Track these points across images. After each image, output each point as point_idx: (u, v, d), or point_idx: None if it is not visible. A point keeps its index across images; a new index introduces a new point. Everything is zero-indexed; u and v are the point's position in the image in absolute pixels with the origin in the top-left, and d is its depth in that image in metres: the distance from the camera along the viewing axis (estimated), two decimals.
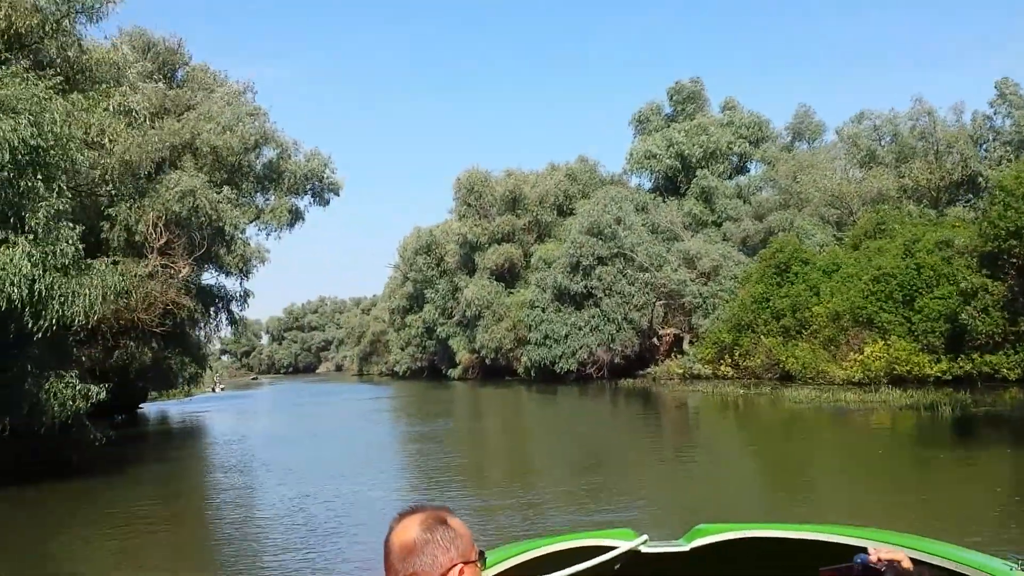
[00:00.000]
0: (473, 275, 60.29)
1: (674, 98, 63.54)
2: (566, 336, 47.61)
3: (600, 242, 46.96)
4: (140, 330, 26.65)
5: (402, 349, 78.40)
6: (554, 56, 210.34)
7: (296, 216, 33.89)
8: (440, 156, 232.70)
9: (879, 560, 2.27)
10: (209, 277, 33.61)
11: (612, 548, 3.03)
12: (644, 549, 3.07)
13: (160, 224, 25.98)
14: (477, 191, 60.91)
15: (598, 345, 46.91)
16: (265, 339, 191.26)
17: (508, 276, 59.55)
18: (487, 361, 57.61)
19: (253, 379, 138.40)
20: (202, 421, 39.49)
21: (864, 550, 2.35)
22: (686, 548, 3.06)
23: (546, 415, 33.82)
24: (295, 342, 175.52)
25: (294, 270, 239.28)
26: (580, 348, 47.08)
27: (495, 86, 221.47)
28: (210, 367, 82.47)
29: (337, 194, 35.17)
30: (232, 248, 29.85)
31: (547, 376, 48.94)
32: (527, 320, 50.15)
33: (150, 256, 26.17)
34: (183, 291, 27.30)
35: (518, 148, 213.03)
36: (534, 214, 60.19)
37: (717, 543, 3.05)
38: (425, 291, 68.61)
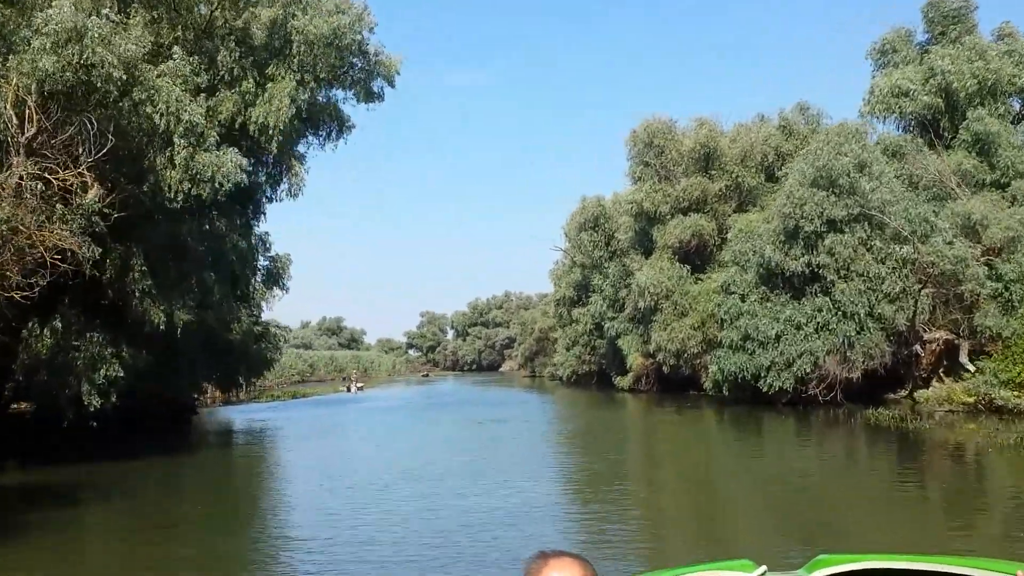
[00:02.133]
0: (650, 256, 45.93)
1: (931, 18, 46.09)
2: (777, 337, 32.28)
3: (833, 197, 31.36)
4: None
5: (567, 349, 64.90)
6: None
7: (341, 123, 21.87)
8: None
9: None
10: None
11: None
12: None
13: (30, 100, 14.10)
14: (658, 146, 46.41)
15: (827, 353, 31.36)
16: (451, 334, 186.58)
17: (696, 257, 44.75)
18: (664, 368, 43.05)
19: (424, 376, 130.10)
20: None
21: None
22: None
23: (753, 471, 19.34)
24: (479, 338, 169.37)
25: (480, 262, 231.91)
26: (799, 356, 31.61)
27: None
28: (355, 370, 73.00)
29: (391, 84, 22.91)
30: (193, 169, 17.36)
31: (747, 395, 33.90)
32: (719, 313, 35.15)
33: (14, 158, 14.33)
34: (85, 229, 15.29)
35: (712, 98, 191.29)
36: (733, 176, 44.94)
37: (838, 574, 3.12)
38: (592, 278, 54.81)
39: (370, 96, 23.90)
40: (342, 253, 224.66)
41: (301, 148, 24.09)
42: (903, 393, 33.71)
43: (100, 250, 15.50)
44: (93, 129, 14.63)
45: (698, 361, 40.34)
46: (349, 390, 62.90)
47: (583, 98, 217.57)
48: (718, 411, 34.70)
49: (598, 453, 22.43)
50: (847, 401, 31.72)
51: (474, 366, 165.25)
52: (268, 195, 35.66)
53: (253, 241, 33.83)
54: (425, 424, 32.02)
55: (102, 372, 17.04)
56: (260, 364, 32.41)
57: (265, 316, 37.70)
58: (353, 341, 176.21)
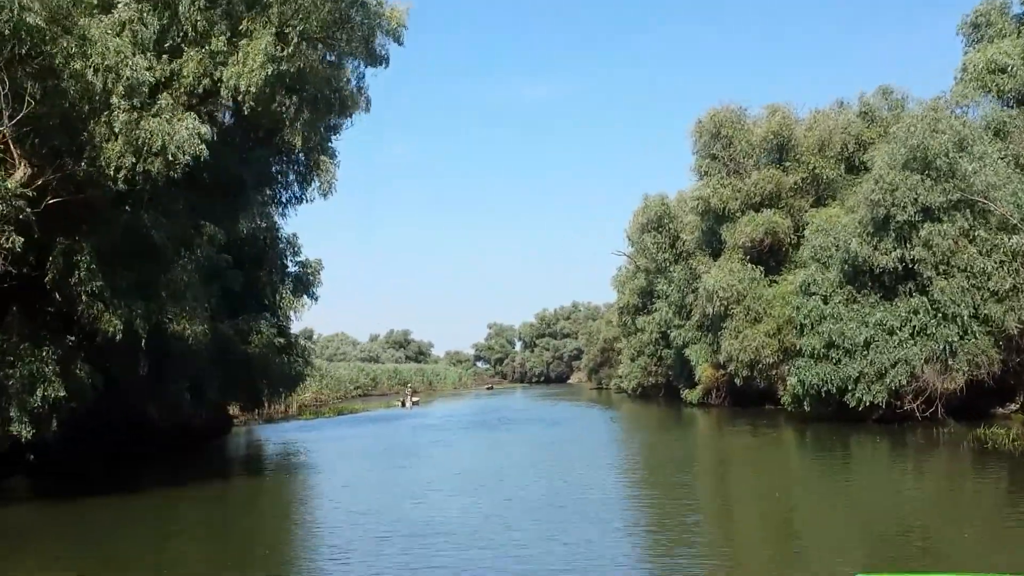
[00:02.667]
0: (719, 257, 41.97)
1: None
2: (866, 344, 28.03)
3: (929, 181, 27.09)
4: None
5: (632, 360, 60.87)
6: None
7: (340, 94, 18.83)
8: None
9: None
10: None
11: None
12: None
13: None
14: (726, 136, 42.38)
15: (925, 361, 27.05)
16: (519, 346, 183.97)
17: (769, 257, 40.57)
18: (737, 381, 38.94)
19: (488, 389, 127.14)
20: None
21: None
22: None
23: (845, 509, 15.50)
24: (547, 350, 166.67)
25: (548, 272, 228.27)
26: (893, 366, 27.33)
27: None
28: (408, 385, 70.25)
29: (399, 41, 19.85)
30: (139, 139, 14.05)
31: (831, 410, 29.70)
32: (799, 317, 30.99)
33: None
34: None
35: (787, 85, 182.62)
36: (809, 167, 40.68)
37: None
38: (656, 283, 50.97)
39: (373, 59, 20.79)
40: (410, 264, 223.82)
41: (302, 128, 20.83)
42: (1014, 407, 29.21)
43: (22, 241, 12.64)
44: (5, 89, 11.79)
45: (774, 372, 36.24)
46: (404, 405, 60.04)
47: (654, 97, 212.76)
48: (798, 430, 30.59)
49: (667, 486, 18.84)
50: (950, 415, 27.39)
51: (542, 378, 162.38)
52: (297, 194, 33.17)
53: (279, 244, 31.19)
54: (470, 450, 28.45)
55: (39, 394, 14.10)
56: (285, 380, 29.56)
57: (296, 327, 35.12)
58: (420, 354, 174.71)
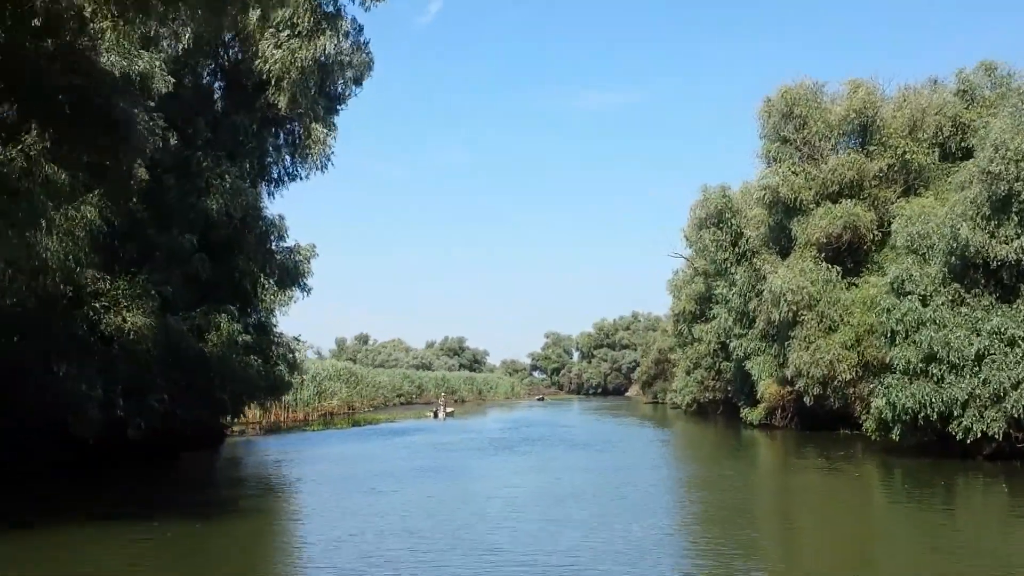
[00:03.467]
0: (788, 256, 36.05)
1: None
2: (979, 358, 21.86)
3: None
4: None
5: (687, 373, 54.82)
6: None
7: None
8: None
9: None
10: None
11: None
12: None
13: None
14: (799, 117, 36.46)
15: None
16: (576, 356, 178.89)
17: (847, 257, 34.54)
18: (806, 399, 32.89)
19: (539, 399, 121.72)
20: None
21: None
22: None
23: None
24: (604, 360, 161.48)
25: (607, 281, 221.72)
26: (1015, 387, 21.19)
27: None
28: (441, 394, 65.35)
29: None
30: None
31: (929, 440, 23.65)
32: (889, 322, 24.81)
33: None
34: None
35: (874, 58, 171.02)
36: (898, 152, 34.48)
37: None
38: (716, 287, 45.09)
39: None
40: (466, 271, 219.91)
41: None
42: None
43: None
44: None
45: (851, 391, 30.22)
46: (436, 416, 54.93)
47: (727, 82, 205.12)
48: (884, 465, 24.59)
49: (722, 548, 13.30)
50: None
51: (599, 390, 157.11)
52: (289, 169, 28.51)
53: (261, 224, 26.49)
54: (462, 485, 22.58)
55: None
56: (255, 385, 24.44)
57: (284, 325, 30.30)
58: (475, 362, 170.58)
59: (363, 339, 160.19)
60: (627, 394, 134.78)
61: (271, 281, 26.78)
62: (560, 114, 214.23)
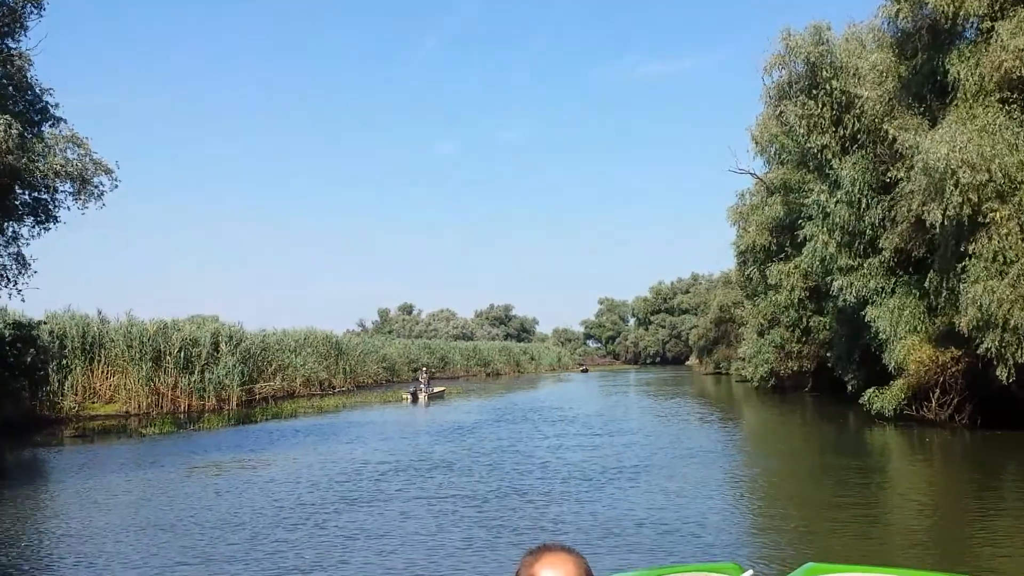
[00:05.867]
0: (945, 111, 20.13)
1: None
2: None
3: None
4: None
5: (760, 335, 38.88)
6: None
7: None
8: None
9: None
10: None
11: None
12: None
13: None
14: None
15: None
16: (632, 323, 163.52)
17: None
18: (1000, 372, 17.12)
19: (582, 370, 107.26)
20: None
21: None
22: None
23: None
24: (662, 327, 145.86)
25: (664, 241, 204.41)
26: None
27: None
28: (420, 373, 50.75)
29: None
30: None
31: None
32: None
33: None
34: None
35: None
36: None
37: None
38: (805, 196, 29.02)
39: None
40: (514, 236, 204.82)
41: None
42: None
43: None
44: None
45: None
46: (416, 400, 40.07)
47: None
48: None
49: None
50: None
51: (657, 359, 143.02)
52: None
53: None
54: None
55: None
56: None
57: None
58: (524, 331, 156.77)
59: (407, 309, 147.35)
60: (688, 363, 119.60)
61: None
62: (612, 84, 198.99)
